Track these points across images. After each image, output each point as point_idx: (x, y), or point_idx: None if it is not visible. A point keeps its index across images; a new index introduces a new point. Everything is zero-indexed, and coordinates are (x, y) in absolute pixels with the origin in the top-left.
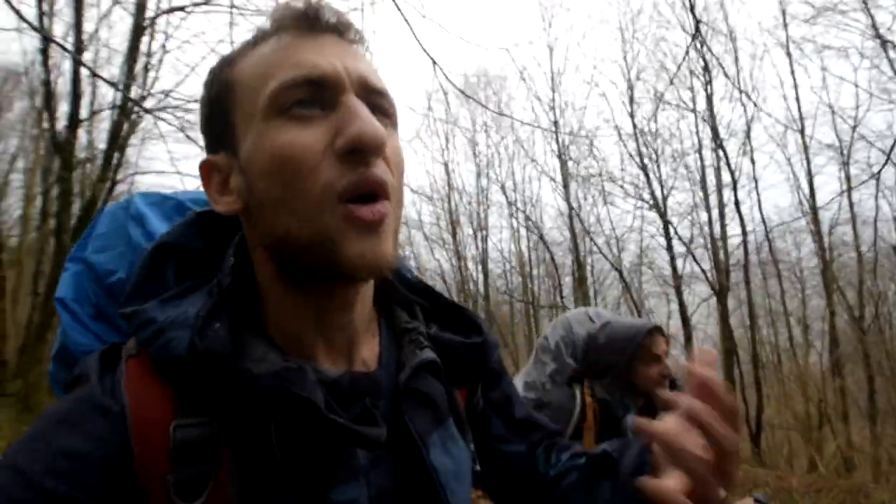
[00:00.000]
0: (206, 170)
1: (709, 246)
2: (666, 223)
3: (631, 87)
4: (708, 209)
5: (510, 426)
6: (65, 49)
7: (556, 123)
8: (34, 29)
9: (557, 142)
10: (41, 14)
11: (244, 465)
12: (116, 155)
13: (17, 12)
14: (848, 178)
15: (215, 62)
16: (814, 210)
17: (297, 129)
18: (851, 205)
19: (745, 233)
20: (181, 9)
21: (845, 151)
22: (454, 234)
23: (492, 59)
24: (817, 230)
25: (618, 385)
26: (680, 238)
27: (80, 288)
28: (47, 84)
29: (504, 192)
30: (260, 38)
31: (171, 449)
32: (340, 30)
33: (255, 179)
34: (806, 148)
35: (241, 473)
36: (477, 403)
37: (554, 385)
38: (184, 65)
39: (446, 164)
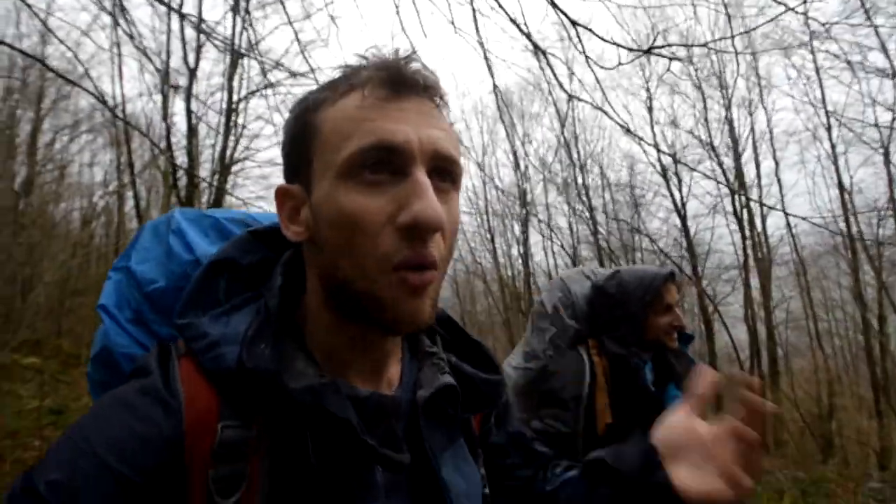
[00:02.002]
0: (281, 195)
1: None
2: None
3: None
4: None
5: (524, 455)
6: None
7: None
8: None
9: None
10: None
11: (276, 470)
12: None
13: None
14: None
15: (301, 98)
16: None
17: (365, 195)
18: None
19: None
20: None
21: None
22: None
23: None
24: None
25: (632, 338)
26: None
27: (121, 295)
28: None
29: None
30: (347, 88)
31: (217, 445)
32: (424, 92)
33: (324, 225)
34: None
35: (273, 478)
36: (489, 431)
37: (557, 350)
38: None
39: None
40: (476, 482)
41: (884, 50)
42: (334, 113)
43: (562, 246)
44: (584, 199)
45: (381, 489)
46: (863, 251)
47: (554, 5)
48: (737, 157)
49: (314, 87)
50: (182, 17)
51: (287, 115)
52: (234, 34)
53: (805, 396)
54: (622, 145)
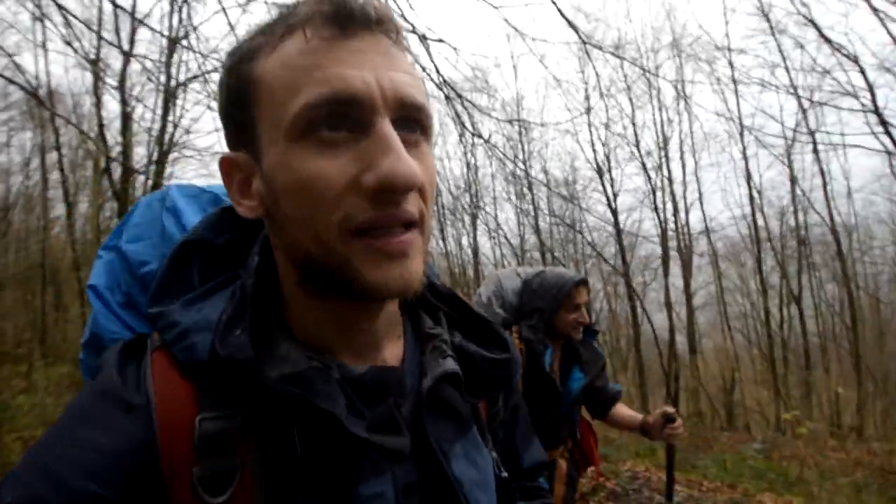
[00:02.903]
0: (226, 166)
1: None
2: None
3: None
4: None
5: (507, 449)
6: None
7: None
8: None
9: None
10: None
11: (269, 462)
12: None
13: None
14: None
15: (234, 47)
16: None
17: (322, 157)
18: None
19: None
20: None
21: None
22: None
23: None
24: None
25: (540, 326)
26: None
27: (112, 276)
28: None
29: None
30: (286, 30)
31: (197, 440)
32: (376, 27)
33: (278, 196)
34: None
35: (266, 470)
36: (498, 412)
37: None
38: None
39: None
40: (488, 468)
41: (786, 67)
42: (274, 62)
43: (506, 238)
44: (529, 192)
45: (388, 474)
46: (767, 242)
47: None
48: (666, 156)
49: (245, 34)
50: (116, 6)
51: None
52: (171, 24)
53: (714, 373)
54: (565, 144)
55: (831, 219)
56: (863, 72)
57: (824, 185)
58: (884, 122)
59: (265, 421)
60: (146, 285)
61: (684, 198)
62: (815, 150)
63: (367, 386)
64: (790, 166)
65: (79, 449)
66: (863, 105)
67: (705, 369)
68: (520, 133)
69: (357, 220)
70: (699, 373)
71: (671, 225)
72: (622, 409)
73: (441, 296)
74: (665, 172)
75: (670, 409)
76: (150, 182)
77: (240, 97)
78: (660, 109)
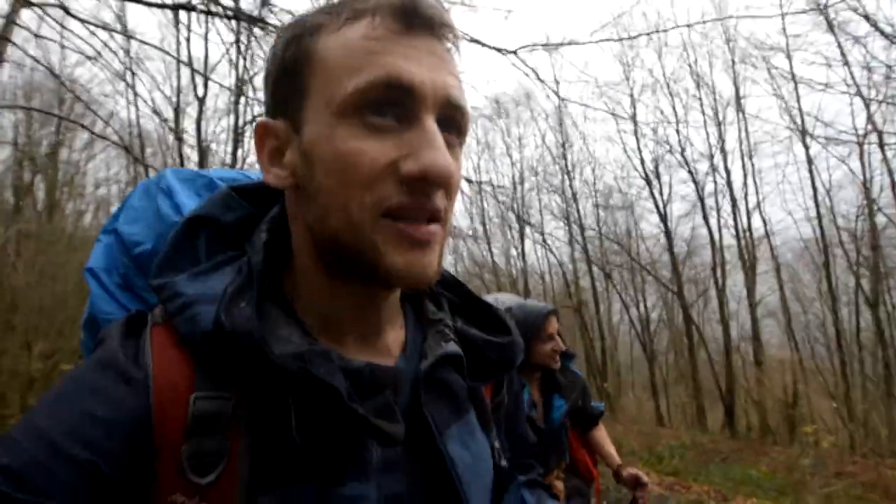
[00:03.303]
0: (261, 132)
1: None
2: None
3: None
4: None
5: (509, 441)
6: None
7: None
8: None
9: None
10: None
11: (258, 446)
12: None
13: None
14: None
15: (295, 21)
16: None
17: (367, 139)
18: None
19: None
20: None
21: None
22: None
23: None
24: None
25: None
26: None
27: (110, 258)
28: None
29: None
30: (352, 15)
31: (189, 419)
32: (437, 30)
33: (314, 168)
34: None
35: (254, 453)
36: (503, 400)
37: None
38: None
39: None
40: (484, 455)
41: (846, 63)
42: (337, 40)
43: (552, 251)
44: (574, 208)
45: (375, 466)
46: (838, 246)
47: None
48: (724, 159)
49: (308, 11)
50: (193, 70)
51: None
52: (237, 73)
53: (776, 385)
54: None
55: None
56: None
57: (893, 185)
58: None
59: (260, 402)
60: (141, 266)
61: (745, 200)
62: (883, 150)
63: (363, 380)
64: (863, 164)
65: (77, 417)
66: None
67: (770, 382)
68: (563, 145)
69: (389, 203)
70: (764, 386)
71: (731, 231)
72: (605, 443)
73: (444, 282)
74: (719, 178)
75: (645, 479)
76: None
77: (295, 67)
78: (715, 111)
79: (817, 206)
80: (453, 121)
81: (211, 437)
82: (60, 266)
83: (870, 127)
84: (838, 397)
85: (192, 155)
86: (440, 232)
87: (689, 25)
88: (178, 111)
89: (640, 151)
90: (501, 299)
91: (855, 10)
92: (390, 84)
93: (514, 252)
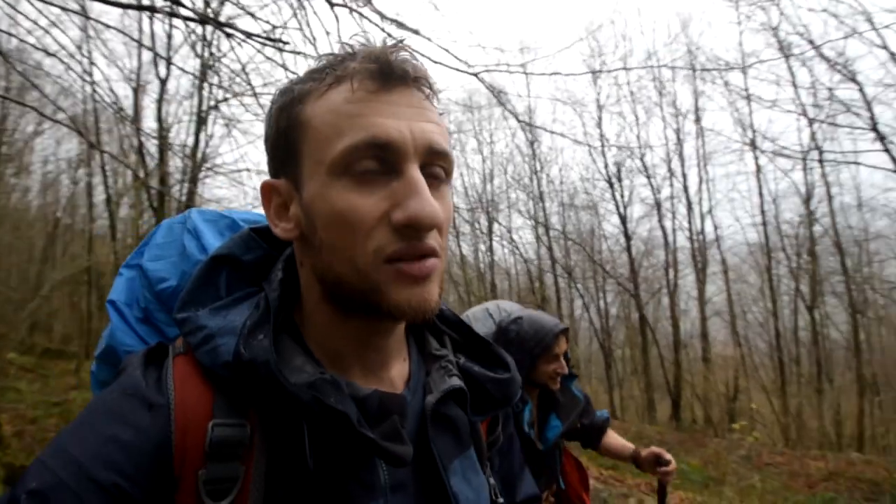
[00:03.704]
0: (267, 190)
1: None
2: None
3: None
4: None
5: (505, 478)
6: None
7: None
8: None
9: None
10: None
11: (271, 471)
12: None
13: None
14: None
15: (285, 88)
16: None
17: (359, 193)
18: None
19: None
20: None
21: None
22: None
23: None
24: None
25: (521, 379)
26: None
27: (132, 292)
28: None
29: None
30: (334, 80)
31: (208, 445)
32: (413, 83)
33: (315, 222)
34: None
35: (268, 478)
36: (498, 438)
37: None
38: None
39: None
40: (483, 491)
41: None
42: (322, 107)
43: (517, 249)
44: (541, 206)
45: (383, 488)
46: (781, 251)
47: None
48: (678, 168)
49: (296, 77)
50: (155, 55)
51: (268, 106)
52: (201, 55)
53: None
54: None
55: (835, 232)
56: (861, 90)
57: (829, 198)
58: (882, 139)
59: (275, 429)
60: (164, 301)
61: (699, 205)
62: (822, 165)
63: (371, 408)
64: (805, 177)
65: (102, 442)
66: (868, 122)
67: (715, 377)
68: (531, 144)
69: (388, 251)
70: (709, 381)
71: (685, 234)
72: (614, 439)
73: (447, 321)
74: (676, 183)
75: (666, 455)
76: (183, 198)
77: (288, 133)
78: (677, 118)
79: (763, 214)
80: (437, 165)
81: (227, 463)
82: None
83: (812, 144)
84: (774, 392)
85: (150, 146)
86: (437, 265)
87: (626, 69)
88: (137, 91)
89: (603, 155)
90: (504, 307)
91: (800, 34)
92: (373, 143)
93: (482, 247)
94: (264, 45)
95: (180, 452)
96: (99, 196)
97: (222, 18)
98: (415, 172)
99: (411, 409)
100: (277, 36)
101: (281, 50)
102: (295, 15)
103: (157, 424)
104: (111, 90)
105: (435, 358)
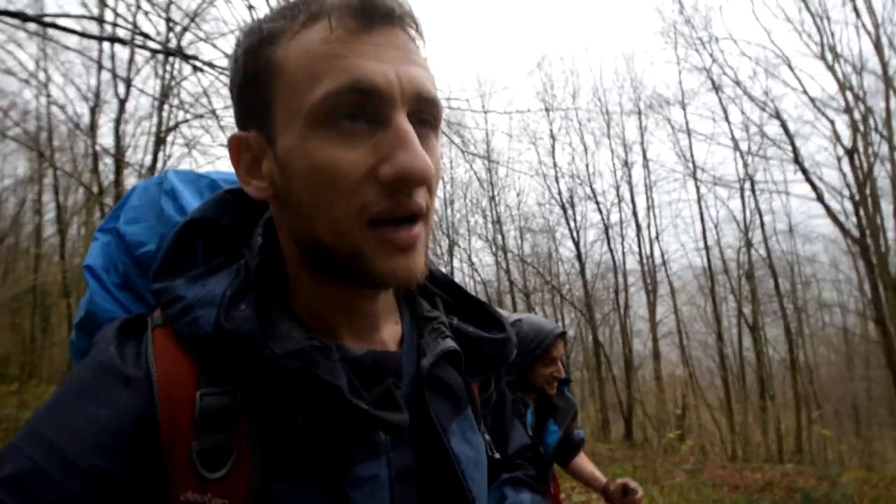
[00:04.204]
0: (235, 145)
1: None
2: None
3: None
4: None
5: (497, 433)
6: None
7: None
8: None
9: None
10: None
11: (267, 439)
12: None
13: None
14: None
15: (252, 27)
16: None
17: (341, 146)
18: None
19: None
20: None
21: None
22: None
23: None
24: None
25: (519, 383)
26: None
27: (109, 257)
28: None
29: None
30: (309, 18)
31: (197, 415)
32: (398, 21)
33: (292, 179)
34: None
35: (264, 446)
36: (491, 396)
37: None
38: None
39: None
40: (482, 449)
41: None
42: (297, 48)
43: (477, 271)
44: (499, 231)
45: (384, 444)
46: (723, 274)
47: None
48: (626, 194)
49: (265, 15)
50: (115, 76)
51: (234, 48)
52: (162, 79)
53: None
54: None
55: (769, 256)
56: (783, 125)
57: (762, 225)
58: (803, 170)
59: (265, 398)
60: (143, 266)
61: (648, 230)
62: (754, 194)
63: (365, 368)
64: (743, 205)
65: (78, 421)
66: (791, 154)
67: (665, 396)
68: (489, 171)
69: (373, 211)
70: (660, 400)
71: (636, 257)
72: (586, 463)
73: (438, 282)
74: (626, 209)
75: (632, 484)
76: None
77: (257, 79)
78: (624, 148)
79: (705, 239)
80: (426, 113)
81: (220, 432)
82: None
83: (745, 175)
84: (721, 410)
85: (106, 165)
86: (422, 231)
87: (568, 109)
88: (95, 110)
89: (557, 182)
90: (504, 313)
91: (729, 76)
92: (356, 89)
93: (443, 269)
94: (223, 73)
95: (167, 425)
96: (48, 214)
97: (186, 40)
98: (403, 122)
99: (406, 372)
100: None
101: None
102: None
103: (136, 399)
104: (65, 108)
105: (427, 320)
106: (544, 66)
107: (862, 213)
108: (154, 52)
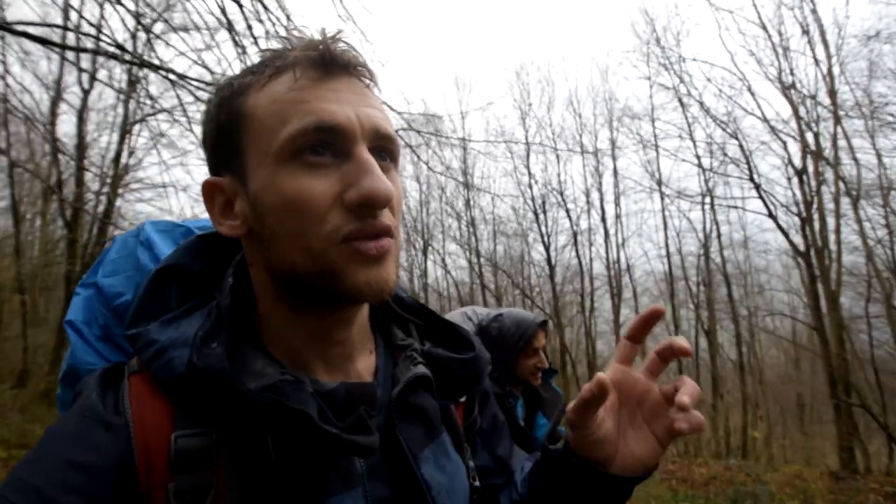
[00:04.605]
0: (209, 189)
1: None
2: None
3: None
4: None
5: (494, 459)
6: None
7: None
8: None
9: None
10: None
11: (243, 475)
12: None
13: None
14: None
15: (224, 84)
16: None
17: (309, 177)
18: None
19: None
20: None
21: None
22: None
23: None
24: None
25: (506, 377)
26: None
27: (90, 311)
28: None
29: None
30: (275, 71)
31: (172, 457)
32: (355, 71)
33: (265, 214)
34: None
35: (240, 483)
36: (475, 421)
37: None
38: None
39: None
40: (461, 477)
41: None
42: (265, 96)
43: (449, 273)
44: (472, 233)
45: (360, 474)
46: (682, 281)
47: None
48: (596, 201)
49: (234, 74)
50: (80, 70)
51: (204, 107)
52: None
53: None
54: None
55: (724, 265)
56: (741, 145)
57: (718, 236)
58: (757, 187)
59: (239, 435)
60: (121, 316)
61: (616, 236)
62: (713, 207)
63: (338, 400)
64: (704, 217)
65: (62, 467)
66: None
67: None
68: (465, 175)
69: (343, 231)
70: None
71: (603, 262)
72: None
73: (409, 308)
74: (595, 215)
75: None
76: (100, 211)
77: (230, 127)
78: (596, 156)
79: (667, 247)
80: (384, 149)
81: (196, 472)
82: None
83: (705, 189)
84: None
85: (65, 158)
86: (392, 245)
87: (545, 144)
88: (55, 101)
89: (530, 188)
90: (479, 310)
91: (691, 95)
92: (320, 127)
93: (416, 270)
94: (199, 88)
95: (144, 469)
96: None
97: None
98: (365, 153)
99: (380, 401)
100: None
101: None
102: (240, 59)
103: (117, 444)
104: (22, 95)
105: (401, 349)
106: (522, 76)
107: (808, 230)
108: (125, 62)
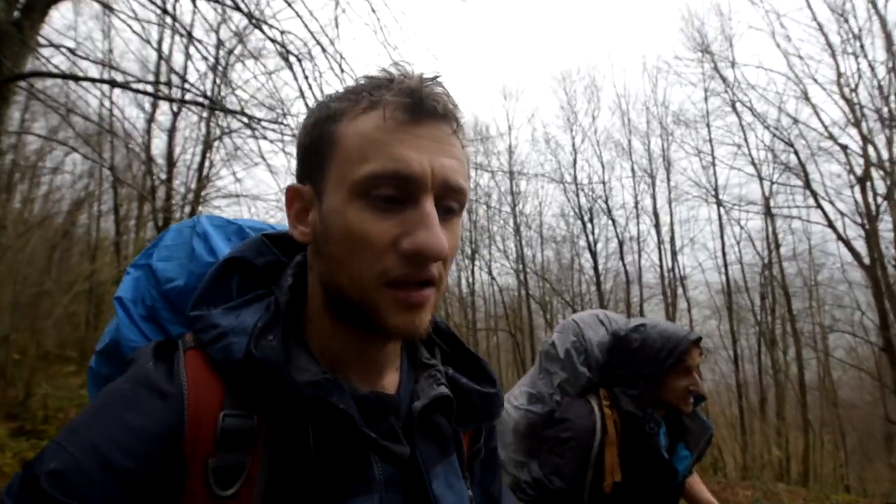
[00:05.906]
0: (291, 194)
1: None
2: None
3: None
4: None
5: (485, 495)
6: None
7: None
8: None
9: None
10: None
11: (276, 463)
12: None
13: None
14: None
15: (323, 103)
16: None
17: (374, 218)
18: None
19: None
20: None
21: None
22: None
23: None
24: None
25: (646, 398)
26: None
27: (138, 290)
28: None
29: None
30: (368, 106)
31: (219, 434)
32: (441, 118)
33: (330, 234)
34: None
35: (272, 469)
36: (480, 450)
37: (565, 397)
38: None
39: None
40: (464, 499)
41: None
42: (354, 128)
43: (494, 279)
44: (519, 241)
45: (378, 483)
46: (744, 292)
47: None
48: (650, 207)
49: (334, 93)
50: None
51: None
52: (213, 89)
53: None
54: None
55: (783, 278)
56: (796, 153)
57: (777, 247)
58: (814, 195)
59: (281, 424)
60: (170, 300)
61: (671, 244)
62: (772, 217)
63: (368, 406)
64: (766, 227)
65: (117, 428)
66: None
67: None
68: (511, 181)
69: (391, 275)
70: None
71: (656, 271)
72: (705, 493)
73: (440, 332)
74: (647, 222)
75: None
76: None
77: (319, 145)
78: (650, 161)
79: (724, 256)
80: (452, 200)
81: (235, 452)
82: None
83: (764, 198)
84: (733, 425)
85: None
86: (433, 295)
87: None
88: (150, 122)
89: (577, 195)
90: (612, 317)
91: (743, 103)
92: (395, 175)
93: (463, 275)
94: (266, 129)
95: (192, 440)
96: (105, 204)
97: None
98: (428, 205)
99: (401, 413)
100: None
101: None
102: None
103: (170, 412)
104: (124, 111)
105: (424, 366)
106: (567, 83)
107: (873, 240)
108: (203, 106)
